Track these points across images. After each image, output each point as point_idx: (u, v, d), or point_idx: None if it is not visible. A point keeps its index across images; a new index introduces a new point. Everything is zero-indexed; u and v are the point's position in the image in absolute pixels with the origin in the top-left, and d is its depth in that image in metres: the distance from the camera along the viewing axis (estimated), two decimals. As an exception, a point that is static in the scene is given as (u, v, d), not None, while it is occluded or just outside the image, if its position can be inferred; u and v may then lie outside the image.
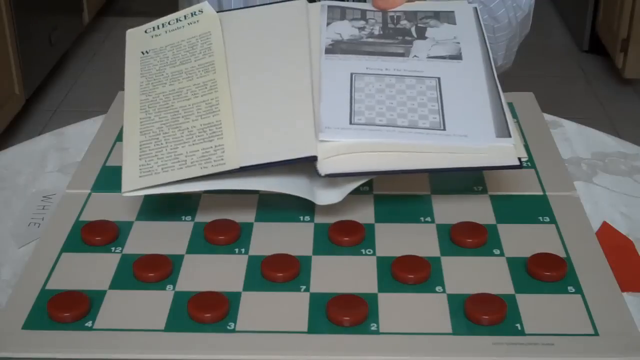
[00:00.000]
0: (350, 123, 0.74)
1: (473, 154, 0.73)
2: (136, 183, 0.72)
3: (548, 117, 0.97)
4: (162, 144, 0.75)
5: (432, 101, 0.77)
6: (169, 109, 0.78)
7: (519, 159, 0.73)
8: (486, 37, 0.84)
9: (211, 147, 0.74)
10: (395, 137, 0.73)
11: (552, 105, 1.65)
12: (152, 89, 0.81)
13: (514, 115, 0.92)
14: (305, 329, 0.63)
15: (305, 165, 0.74)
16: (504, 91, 0.79)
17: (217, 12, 0.87)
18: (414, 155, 0.73)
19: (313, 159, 0.72)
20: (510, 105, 0.93)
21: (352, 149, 0.73)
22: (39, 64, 2.72)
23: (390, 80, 0.79)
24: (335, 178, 0.73)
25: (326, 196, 0.74)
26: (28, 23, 2.59)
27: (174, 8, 0.94)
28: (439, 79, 0.79)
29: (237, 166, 0.72)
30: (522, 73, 2.72)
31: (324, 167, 0.72)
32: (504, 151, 0.73)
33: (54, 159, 0.93)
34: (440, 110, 0.76)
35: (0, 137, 2.42)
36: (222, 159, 0.72)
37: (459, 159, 0.73)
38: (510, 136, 0.73)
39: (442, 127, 0.74)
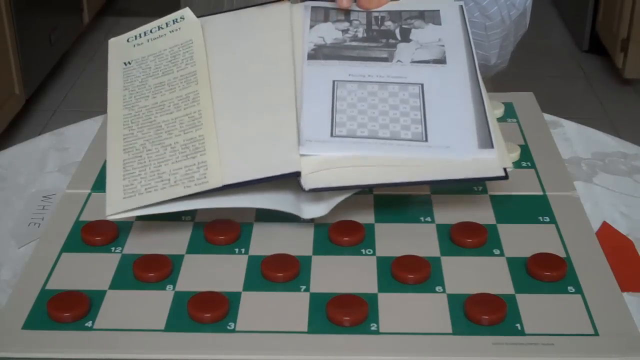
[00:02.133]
0: (332, 135, 0.74)
1: (457, 166, 0.72)
2: (120, 205, 0.71)
3: (548, 117, 0.97)
4: (145, 162, 0.74)
5: (415, 110, 0.76)
6: (152, 124, 0.77)
7: (505, 169, 0.72)
8: (471, 37, 0.83)
9: (194, 164, 0.73)
10: (377, 150, 0.73)
11: (552, 105, 1.65)
12: (135, 103, 0.80)
13: (514, 116, 0.92)
14: (305, 329, 0.63)
15: (290, 180, 0.73)
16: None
17: (199, 17, 0.86)
18: (397, 169, 0.73)
19: (297, 175, 0.71)
20: (510, 105, 0.93)
21: (335, 164, 0.72)
22: (39, 64, 2.72)
23: (373, 87, 0.78)
24: (320, 192, 0.73)
25: (312, 210, 0.73)
26: (28, 23, 2.59)
27: (174, 8, 0.93)
28: (422, 85, 0.79)
29: (219, 184, 0.71)
30: (522, 73, 2.72)
31: (307, 182, 0.71)
32: (487, 163, 0.72)
33: (54, 159, 0.93)
34: (423, 120, 0.75)
35: (0, 137, 2.42)
36: (205, 177, 0.72)
37: (443, 171, 0.72)
38: (492, 147, 0.73)
39: (424, 139, 0.74)
